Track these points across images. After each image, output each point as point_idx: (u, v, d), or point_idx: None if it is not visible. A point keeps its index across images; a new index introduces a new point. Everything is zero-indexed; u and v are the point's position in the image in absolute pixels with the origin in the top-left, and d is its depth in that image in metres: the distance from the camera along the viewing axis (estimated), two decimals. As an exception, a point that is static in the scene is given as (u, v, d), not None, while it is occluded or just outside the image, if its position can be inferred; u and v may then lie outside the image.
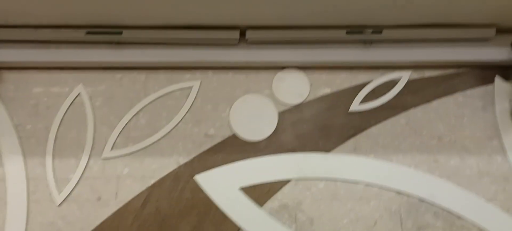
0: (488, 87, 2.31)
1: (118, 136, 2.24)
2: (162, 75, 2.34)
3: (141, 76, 2.34)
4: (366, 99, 2.29)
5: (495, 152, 2.21)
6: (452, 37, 2.23)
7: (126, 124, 2.26)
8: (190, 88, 2.32)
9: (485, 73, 2.33)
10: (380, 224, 2.10)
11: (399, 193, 2.15)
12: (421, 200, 2.13)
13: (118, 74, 2.34)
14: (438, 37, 2.23)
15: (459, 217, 2.09)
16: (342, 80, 2.34)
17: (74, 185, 2.17)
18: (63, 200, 2.14)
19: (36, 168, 2.19)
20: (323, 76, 2.34)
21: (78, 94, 2.30)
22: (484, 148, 2.22)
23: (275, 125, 2.24)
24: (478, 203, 2.12)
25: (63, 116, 2.26)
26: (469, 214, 2.09)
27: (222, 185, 2.16)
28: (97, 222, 2.11)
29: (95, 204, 2.15)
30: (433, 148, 2.22)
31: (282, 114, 2.28)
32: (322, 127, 2.25)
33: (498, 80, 2.30)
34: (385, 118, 2.26)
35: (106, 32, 2.21)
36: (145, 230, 2.10)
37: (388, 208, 2.13)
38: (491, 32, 2.22)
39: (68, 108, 2.28)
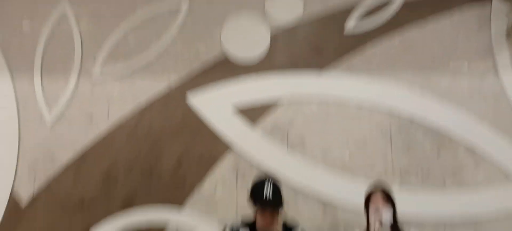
0: (485, 8, 2.25)
1: (107, 56, 2.19)
2: (151, -8, 2.25)
3: (129, -7, 2.25)
4: (361, 17, 2.22)
5: (487, 72, 2.18)
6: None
7: (114, 44, 2.20)
8: (180, 5, 2.23)
9: (482, -11, 2.26)
10: (371, 144, 2.12)
11: (390, 112, 2.14)
12: (412, 120, 2.14)
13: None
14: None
15: (448, 136, 2.11)
16: (337, -1, 2.26)
17: (65, 105, 2.14)
18: (54, 121, 2.13)
19: (24, 87, 2.15)
20: (317, -6, 2.26)
21: (64, 13, 2.22)
22: (477, 68, 2.19)
23: (268, 44, 2.19)
24: (468, 121, 2.12)
25: (49, 34, 2.20)
26: (459, 132, 2.10)
27: (214, 104, 2.14)
28: (90, 142, 2.11)
29: (87, 124, 2.13)
30: (426, 67, 2.19)
31: (274, 33, 2.21)
32: (315, 46, 2.20)
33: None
34: (380, 36, 2.20)
35: None
36: (137, 150, 2.11)
37: (379, 128, 2.14)
38: None
39: (53, 27, 2.20)
